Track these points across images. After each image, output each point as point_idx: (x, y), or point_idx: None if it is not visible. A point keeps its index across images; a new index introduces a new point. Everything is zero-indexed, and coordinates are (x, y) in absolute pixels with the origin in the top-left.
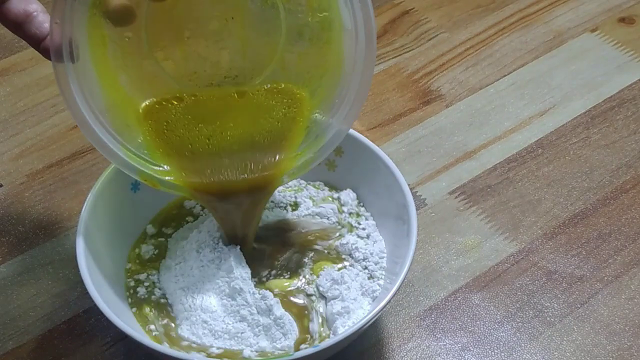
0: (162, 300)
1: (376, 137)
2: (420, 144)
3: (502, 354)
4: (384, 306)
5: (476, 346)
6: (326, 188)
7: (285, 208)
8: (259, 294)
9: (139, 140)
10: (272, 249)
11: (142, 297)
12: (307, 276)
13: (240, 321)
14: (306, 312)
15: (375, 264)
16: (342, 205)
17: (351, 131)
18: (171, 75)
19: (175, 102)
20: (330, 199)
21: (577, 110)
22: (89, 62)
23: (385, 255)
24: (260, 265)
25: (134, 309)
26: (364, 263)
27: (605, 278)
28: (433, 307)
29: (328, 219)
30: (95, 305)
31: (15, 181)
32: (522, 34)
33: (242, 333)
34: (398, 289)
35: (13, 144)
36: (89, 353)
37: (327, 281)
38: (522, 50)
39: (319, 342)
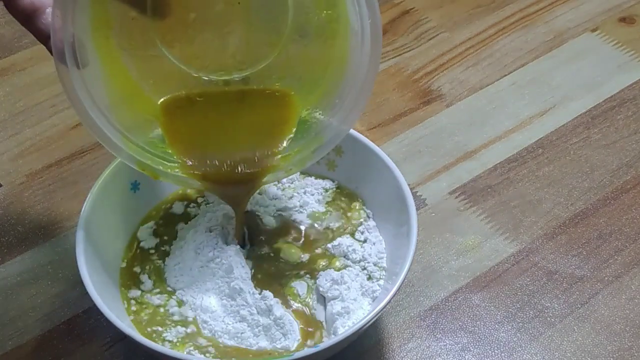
0: None
1: (376, 137)
2: (420, 144)
3: (503, 354)
4: (384, 306)
5: (476, 346)
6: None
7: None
8: (259, 294)
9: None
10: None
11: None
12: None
13: (240, 321)
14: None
15: (375, 265)
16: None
17: (351, 131)
18: (176, 59)
19: (187, 101)
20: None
21: (578, 110)
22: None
23: (384, 255)
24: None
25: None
26: (362, 264)
27: (606, 278)
28: (433, 307)
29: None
30: (94, 305)
31: (14, 181)
32: (523, 33)
33: (242, 333)
34: (398, 289)
35: (12, 144)
36: (89, 353)
37: (327, 281)
38: (523, 50)
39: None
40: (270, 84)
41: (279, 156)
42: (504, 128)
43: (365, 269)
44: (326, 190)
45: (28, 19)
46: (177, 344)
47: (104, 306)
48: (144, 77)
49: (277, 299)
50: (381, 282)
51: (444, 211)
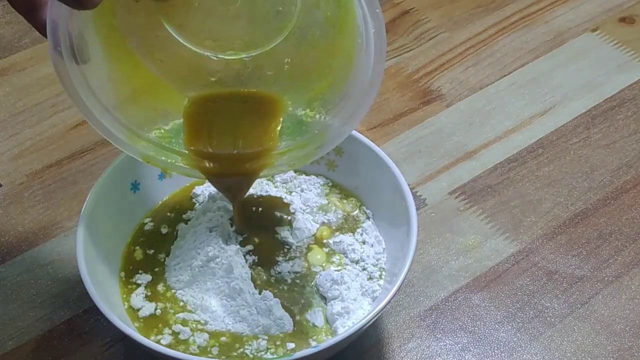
0: None
1: (376, 137)
2: (420, 144)
3: (503, 354)
4: (384, 306)
5: (476, 346)
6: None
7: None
8: (259, 294)
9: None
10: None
11: None
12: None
13: (240, 321)
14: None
15: (374, 265)
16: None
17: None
18: (185, 41)
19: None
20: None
21: (578, 110)
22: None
23: (384, 255)
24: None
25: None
26: (362, 264)
27: (606, 278)
28: (433, 307)
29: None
30: (94, 305)
31: (14, 181)
32: (523, 33)
33: (241, 333)
34: (398, 289)
35: (12, 144)
36: (89, 353)
37: (327, 281)
38: (523, 50)
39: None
40: (272, 80)
41: (274, 152)
42: (504, 128)
43: (365, 269)
44: (322, 185)
45: (30, 11)
46: (177, 343)
47: (104, 306)
48: (153, 64)
49: (277, 299)
50: (381, 282)
51: (444, 211)
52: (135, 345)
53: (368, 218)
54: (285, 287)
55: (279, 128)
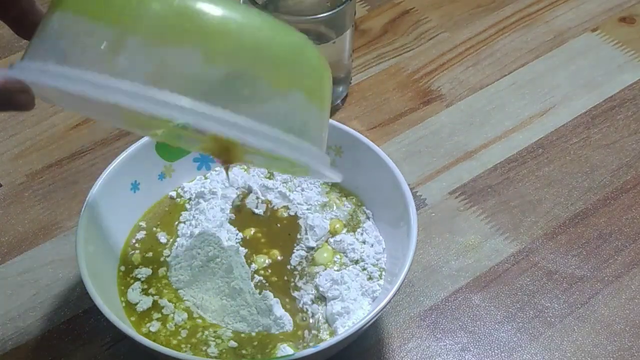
0: None
1: (376, 137)
2: (420, 144)
3: (503, 354)
4: (384, 306)
5: (476, 346)
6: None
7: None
8: (259, 294)
9: None
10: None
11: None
12: None
13: (240, 321)
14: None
15: (374, 265)
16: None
17: (351, 131)
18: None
19: None
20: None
21: (578, 110)
22: None
23: (384, 255)
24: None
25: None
26: (362, 264)
27: (606, 278)
28: (433, 307)
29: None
30: (94, 305)
31: (14, 181)
32: (523, 33)
33: (241, 333)
34: (398, 289)
35: (12, 143)
36: (89, 353)
37: (327, 281)
38: (523, 50)
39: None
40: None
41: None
42: (504, 128)
43: (365, 269)
44: (322, 184)
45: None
46: (177, 343)
47: (104, 306)
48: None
49: (277, 299)
50: (381, 282)
51: (444, 211)
52: (135, 345)
53: (368, 218)
54: (286, 287)
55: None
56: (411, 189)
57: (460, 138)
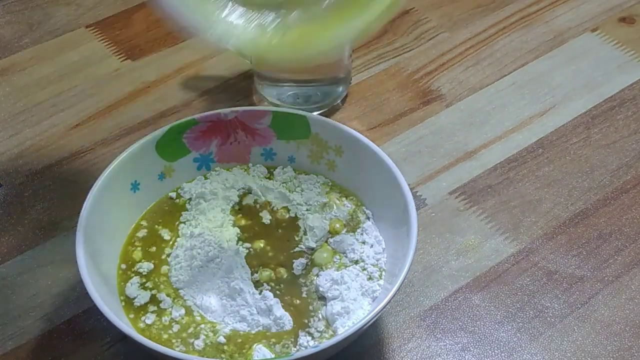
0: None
1: (376, 137)
2: (420, 144)
3: (503, 355)
4: (384, 306)
5: (476, 346)
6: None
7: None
8: (259, 294)
9: None
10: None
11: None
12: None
13: (240, 321)
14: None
15: (374, 265)
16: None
17: (351, 131)
18: None
19: None
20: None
21: (578, 110)
22: None
23: (384, 256)
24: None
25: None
26: (362, 264)
27: (606, 278)
28: (433, 307)
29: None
30: (94, 305)
31: (14, 181)
32: (523, 33)
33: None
34: (398, 289)
35: (12, 143)
36: (89, 353)
37: (327, 281)
38: (523, 50)
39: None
40: None
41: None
42: (504, 128)
43: (365, 269)
44: (322, 184)
45: None
46: (177, 343)
47: (104, 306)
48: None
49: (277, 299)
50: (381, 282)
51: (444, 211)
52: (135, 345)
53: (368, 218)
54: (286, 287)
55: None
56: (411, 189)
57: (460, 138)
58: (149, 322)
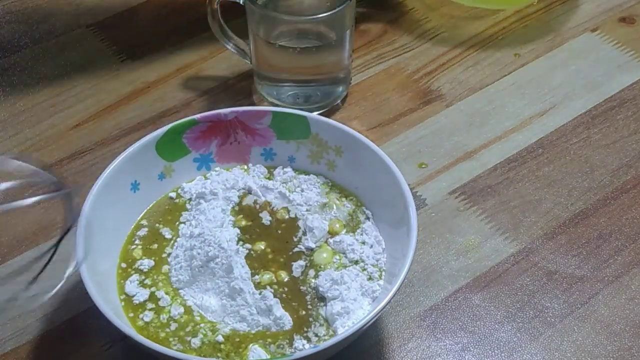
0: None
1: (376, 137)
2: (420, 144)
3: (503, 355)
4: (384, 306)
5: (476, 346)
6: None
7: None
8: (259, 294)
9: None
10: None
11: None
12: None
13: (240, 321)
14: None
15: (374, 265)
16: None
17: (351, 131)
18: None
19: None
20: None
21: (578, 110)
22: None
23: (384, 256)
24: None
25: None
26: (362, 264)
27: (606, 278)
28: (433, 307)
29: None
30: (94, 305)
31: None
32: (523, 33)
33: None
34: (398, 289)
35: (12, 144)
36: (89, 353)
37: (327, 281)
38: (522, 50)
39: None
40: None
41: None
42: (504, 128)
43: (365, 269)
44: (321, 184)
45: None
46: (174, 342)
47: (104, 306)
48: None
49: (277, 299)
50: (381, 282)
51: (444, 211)
52: (135, 345)
53: (368, 218)
54: (286, 288)
55: None
56: (411, 189)
57: (460, 138)
58: (147, 319)
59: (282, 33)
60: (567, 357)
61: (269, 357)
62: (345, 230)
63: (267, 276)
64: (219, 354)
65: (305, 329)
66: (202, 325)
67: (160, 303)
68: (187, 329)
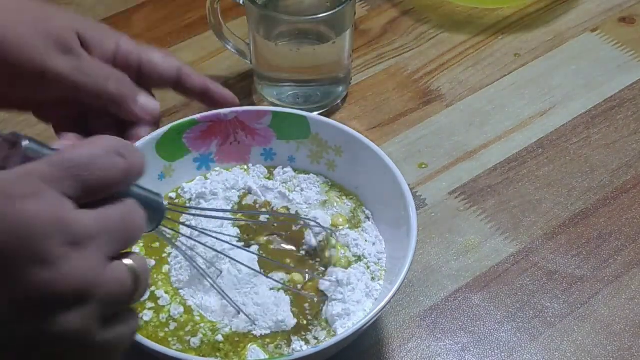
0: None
1: (376, 137)
2: (420, 144)
3: (503, 354)
4: (384, 306)
5: (476, 346)
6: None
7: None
8: (259, 294)
9: None
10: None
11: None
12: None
13: (240, 321)
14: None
15: (375, 264)
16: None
17: (351, 131)
18: None
19: None
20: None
21: (578, 110)
22: None
23: (384, 255)
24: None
25: None
26: (365, 261)
27: (606, 278)
28: (433, 307)
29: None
30: None
31: None
32: (523, 33)
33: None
34: (398, 289)
35: None
36: None
37: (332, 282)
38: (523, 50)
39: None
40: None
41: None
42: (504, 128)
43: (368, 267)
44: (321, 184)
45: None
46: (173, 342)
47: None
48: None
49: (277, 300)
50: (381, 282)
51: (444, 211)
52: (135, 345)
53: (368, 218)
54: (286, 289)
55: None
56: (411, 189)
57: (460, 138)
58: (146, 319)
59: (282, 33)
60: (567, 357)
61: (267, 357)
62: (348, 226)
63: (273, 275)
64: (218, 354)
65: (304, 332)
66: (201, 325)
67: (160, 302)
68: (187, 329)
